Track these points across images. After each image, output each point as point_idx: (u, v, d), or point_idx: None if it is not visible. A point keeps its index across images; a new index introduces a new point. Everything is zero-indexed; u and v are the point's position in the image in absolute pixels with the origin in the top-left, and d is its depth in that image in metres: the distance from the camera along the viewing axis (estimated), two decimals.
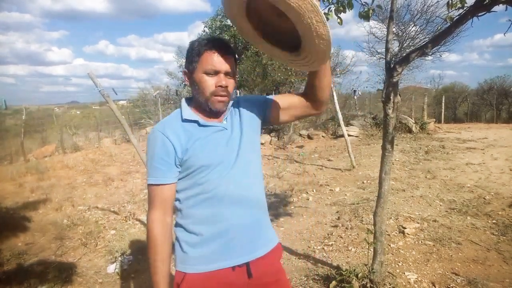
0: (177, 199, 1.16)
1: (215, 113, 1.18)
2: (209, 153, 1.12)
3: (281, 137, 9.63)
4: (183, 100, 1.23)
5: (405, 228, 3.30)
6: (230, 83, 1.15)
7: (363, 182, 5.20)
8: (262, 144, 8.71)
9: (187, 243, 1.14)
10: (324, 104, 1.29)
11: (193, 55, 1.13)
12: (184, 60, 1.23)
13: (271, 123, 1.33)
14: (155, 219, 1.10)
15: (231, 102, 1.24)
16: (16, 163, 8.75)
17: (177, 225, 1.18)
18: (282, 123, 1.38)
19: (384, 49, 2.28)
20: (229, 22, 13.39)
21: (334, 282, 2.31)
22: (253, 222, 1.18)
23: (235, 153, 1.15)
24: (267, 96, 1.33)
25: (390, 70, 2.00)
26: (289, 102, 1.29)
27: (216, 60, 1.11)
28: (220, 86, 1.12)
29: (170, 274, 1.12)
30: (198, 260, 1.12)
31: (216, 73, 1.12)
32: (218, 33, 13.13)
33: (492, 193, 4.31)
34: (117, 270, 2.94)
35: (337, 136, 9.62)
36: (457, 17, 1.74)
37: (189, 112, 1.18)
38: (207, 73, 1.12)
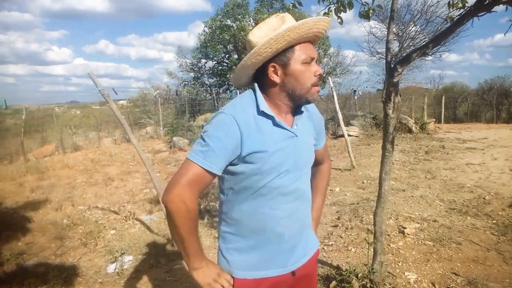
0: (225, 195, 1.07)
1: (288, 113, 1.06)
2: (277, 161, 1.01)
3: None
4: (257, 87, 1.04)
5: (405, 228, 3.30)
6: None
7: (363, 182, 5.20)
8: None
9: (234, 249, 1.09)
10: None
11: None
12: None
13: None
14: (188, 196, 0.94)
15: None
16: (16, 162, 8.74)
17: (223, 232, 1.11)
18: None
19: (384, 49, 2.28)
20: (229, 22, 13.38)
21: (334, 282, 2.31)
22: (302, 228, 1.16)
23: (299, 163, 1.08)
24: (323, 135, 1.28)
25: (390, 70, 2.00)
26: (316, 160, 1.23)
27: (309, 46, 1.00)
28: (320, 74, 1.01)
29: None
30: (247, 267, 1.08)
31: (312, 60, 1.00)
32: (218, 33, 13.10)
33: (492, 193, 4.31)
34: (117, 270, 2.94)
35: (337, 136, 9.61)
36: (458, 17, 1.74)
37: (266, 105, 1.01)
38: (305, 63, 0.99)
